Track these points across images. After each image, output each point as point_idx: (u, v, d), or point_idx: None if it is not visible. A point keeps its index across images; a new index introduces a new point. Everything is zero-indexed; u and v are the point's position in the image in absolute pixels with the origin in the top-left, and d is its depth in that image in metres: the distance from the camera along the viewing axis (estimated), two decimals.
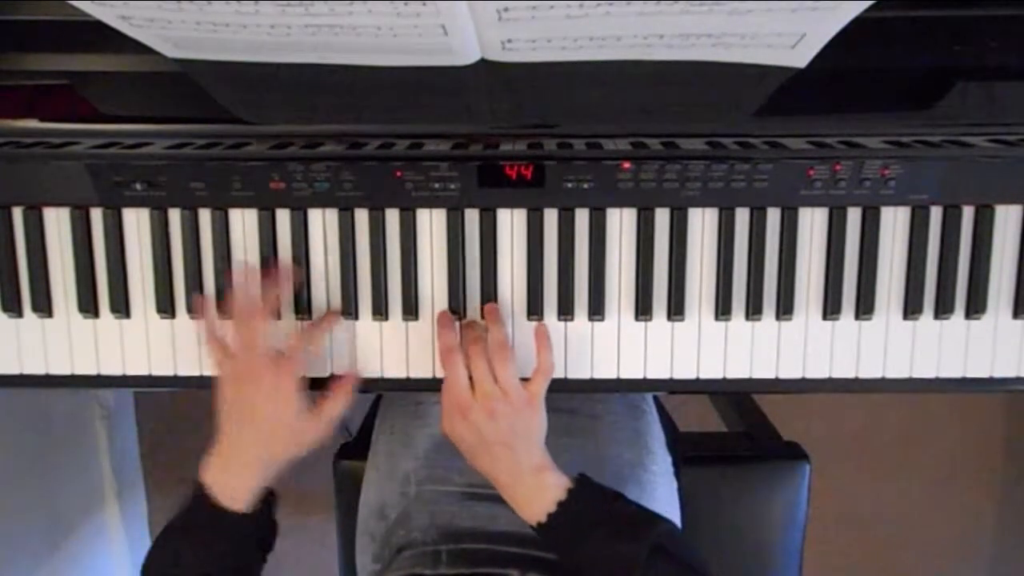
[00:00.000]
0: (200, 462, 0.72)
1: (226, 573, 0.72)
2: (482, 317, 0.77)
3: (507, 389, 0.71)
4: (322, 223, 0.77)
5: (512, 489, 0.72)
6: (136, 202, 0.76)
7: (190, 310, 0.78)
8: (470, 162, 0.74)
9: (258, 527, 0.74)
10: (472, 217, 0.77)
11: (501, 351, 0.72)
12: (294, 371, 0.73)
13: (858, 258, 0.77)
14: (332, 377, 0.78)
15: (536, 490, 0.71)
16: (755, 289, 0.77)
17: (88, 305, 0.78)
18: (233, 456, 0.72)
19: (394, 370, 0.79)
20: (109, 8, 0.58)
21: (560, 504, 0.70)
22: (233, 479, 0.72)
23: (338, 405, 0.75)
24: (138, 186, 0.75)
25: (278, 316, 0.77)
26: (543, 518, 0.70)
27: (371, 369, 0.79)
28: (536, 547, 0.82)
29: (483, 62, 0.64)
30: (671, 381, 0.79)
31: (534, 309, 0.77)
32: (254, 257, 0.77)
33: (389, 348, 0.79)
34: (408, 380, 0.79)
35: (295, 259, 0.77)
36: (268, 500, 0.75)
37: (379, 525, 0.87)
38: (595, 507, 0.71)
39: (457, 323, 0.77)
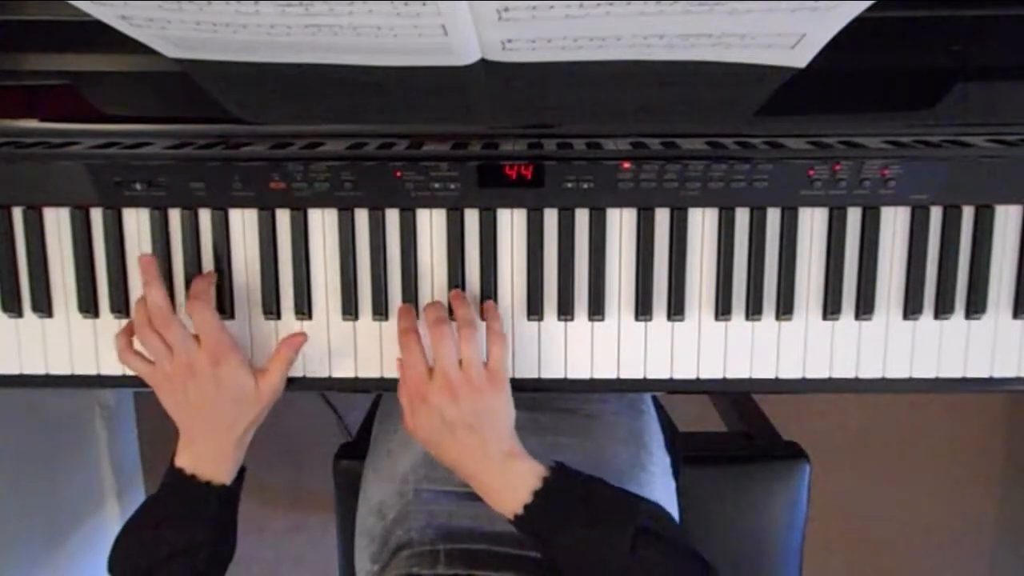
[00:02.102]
0: (171, 453, 0.74)
1: (210, 543, 0.72)
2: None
3: (468, 367, 0.69)
4: (322, 223, 0.77)
5: (484, 481, 0.70)
6: (136, 202, 0.76)
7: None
8: (470, 162, 0.74)
9: (236, 492, 0.75)
10: (472, 217, 0.77)
11: (469, 328, 0.71)
12: (224, 350, 0.72)
13: (858, 258, 0.77)
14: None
15: (509, 480, 0.69)
16: (755, 289, 0.77)
17: (88, 305, 0.78)
18: (198, 443, 0.73)
19: (394, 370, 0.79)
20: (109, 8, 0.58)
21: (536, 493, 0.68)
22: (207, 461, 0.72)
23: (281, 367, 0.75)
24: (138, 186, 0.75)
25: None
26: (519, 509, 0.68)
27: (371, 369, 0.79)
28: (534, 548, 0.82)
29: (483, 62, 0.64)
30: (671, 381, 0.79)
31: (534, 309, 0.77)
32: (254, 257, 0.78)
33: (389, 348, 0.79)
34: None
35: (295, 259, 0.77)
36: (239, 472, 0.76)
37: (377, 525, 0.87)
38: (573, 494, 0.69)
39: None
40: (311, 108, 0.72)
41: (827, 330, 0.78)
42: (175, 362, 0.71)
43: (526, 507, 0.68)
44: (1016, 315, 0.77)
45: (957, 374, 0.78)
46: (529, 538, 0.70)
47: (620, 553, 0.65)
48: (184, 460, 0.73)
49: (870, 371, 0.78)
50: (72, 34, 0.69)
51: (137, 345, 0.74)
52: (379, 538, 0.87)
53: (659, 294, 0.77)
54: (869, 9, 0.56)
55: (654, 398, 0.98)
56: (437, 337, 0.70)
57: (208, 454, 0.72)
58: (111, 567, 0.73)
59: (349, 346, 0.79)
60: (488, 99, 0.70)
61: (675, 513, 0.91)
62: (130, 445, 1.62)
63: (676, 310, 0.77)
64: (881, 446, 1.71)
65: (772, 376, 0.79)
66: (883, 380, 0.78)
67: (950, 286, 0.77)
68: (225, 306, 0.78)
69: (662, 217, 0.76)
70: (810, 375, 0.79)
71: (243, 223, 0.77)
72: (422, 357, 0.71)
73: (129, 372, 0.79)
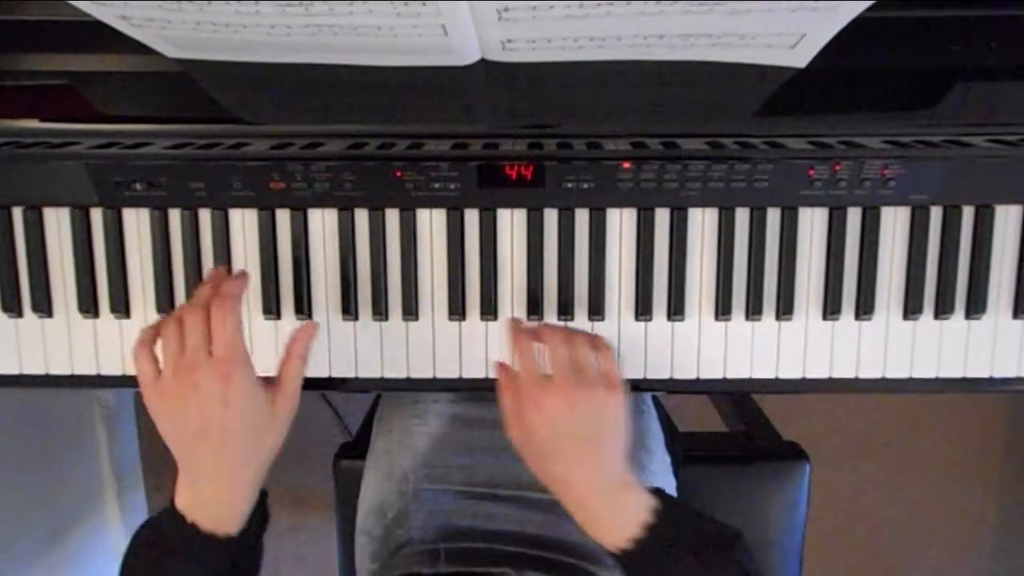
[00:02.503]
0: (169, 493, 0.63)
1: None
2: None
3: (584, 371, 0.65)
4: (322, 223, 0.77)
5: (589, 508, 0.64)
6: (136, 202, 0.76)
7: None
8: (470, 162, 0.74)
9: (254, 536, 0.64)
10: (472, 217, 0.77)
11: (583, 335, 0.68)
12: (237, 365, 0.61)
13: (858, 258, 0.77)
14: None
15: (619, 512, 0.63)
16: (755, 289, 0.77)
17: (88, 305, 0.78)
18: (200, 484, 0.61)
19: (394, 370, 0.79)
20: (109, 8, 0.58)
21: (648, 528, 0.62)
22: (211, 507, 0.61)
23: (296, 368, 0.66)
24: (138, 186, 0.75)
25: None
26: (626, 544, 0.62)
27: (371, 369, 0.79)
28: (534, 546, 0.82)
29: (483, 62, 0.64)
30: (671, 381, 0.79)
31: (534, 309, 0.77)
32: (254, 257, 0.77)
33: (389, 348, 0.79)
34: (408, 380, 0.79)
35: (295, 259, 0.77)
36: (260, 500, 0.65)
37: (377, 524, 0.87)
38: (681, 529, 0.64)
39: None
40: (311, 108, 0.72)
41: (827, 330, 0.78)
42: (181, 365, 0.61)
43: (636, 542, 0.62)
44: (1016, 315, 0.77)
45: (957, 374, 0.78)
46: (629, 571, 0.64)
47: None
48: (184, 501, 0.61)
49: (870, 371, 0.78)
50: (72, 34, 0.69)
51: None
52: (379, 537, 0.87)
53: (659, 294, 0.77)
54: (869, 9, 0.56)
55: (654, 398, 0.98)
56: (556, 341, 0.66)
57: (211, 497, 0.61)
58: (121, 568, 0.64)
59: (349, 346, 0.79)
60: (488, 99, 0.70)
61: None
62: (130, 445, 1.62)
63: (676, 310, 0.77)
64: (881, 446, 1.71)
65: (772, 376, 0.79)
66: (883, 380, 0.78)
67: (950, 286, 0.77)
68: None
69: (662, 217, 0.76)
70: (810, 375, 0.79)
71: (243, 223, 0.77)
72: (536, 362, 0.66)
73: (129, 372, 0.79)
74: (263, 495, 0.65)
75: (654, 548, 0.62)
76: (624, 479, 0.64)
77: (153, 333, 0.65)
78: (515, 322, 0.75)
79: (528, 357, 0.67)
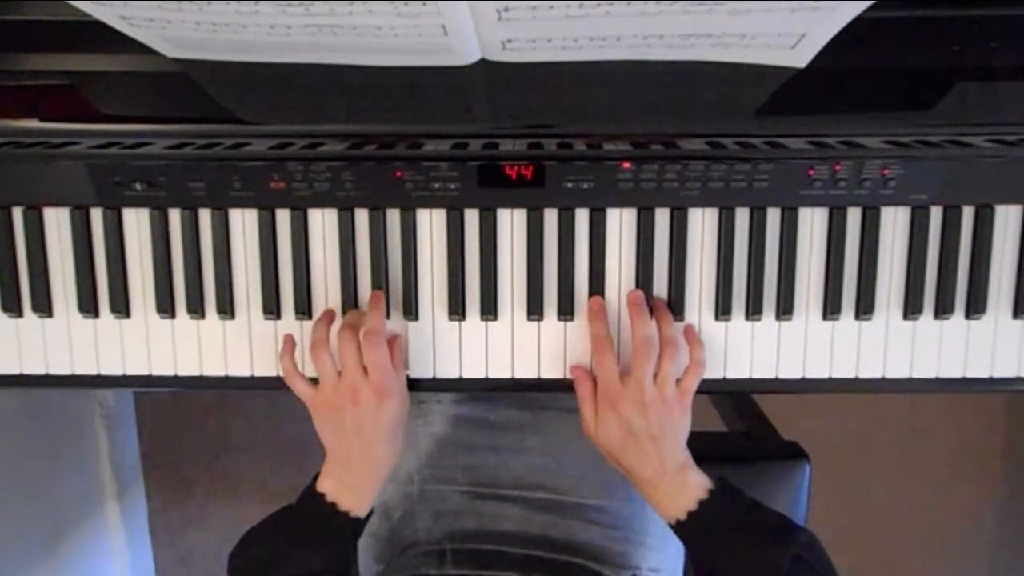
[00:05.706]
0: (316, 476, 0.74)
1: (332, 571, 0.70)
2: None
3: (663, 384, 0.71)
4: (322, 223, 0.77)
5: (655, 486, 0.72)
6: (136, 202, 0.76)
7: (190, 310, 0.78)
8: (470, 162, 0.74)
9: (365, 523, 0.74)
10: (472, 217, 0.77)
11: (673, 348, 0.72)
12: (389, 385, 0.71)
13: (858, 258, 0.77)
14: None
15: (678, 488, 0.71)
16: (755, 289, 0.77)
17: (88, 305, 0.78)
18: (348, 473, 0.72)
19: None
20: (109, 8, 0.58)
21: (701, 503, 0.70)
22: (352, 492, 0.72)
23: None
24: (138, 186, 0.75)
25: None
26: (682, 516, 0.70)
27: None
28: (539, 547, 0.82)
29: (483, 62, 0.64)
30: None
31: (534, 309, 0.77)
32: (254, 257, 0.77)
33: None
34: (408, 380, 0.79)
35: (295, 259, 0.77)
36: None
37: (383, 525, 0.87)
38: (736, 510, 0.71)
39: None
40: (311, 108, 0.72)
41: (827, 330, 0.78)
42: (341, 387, 0.71)
43: (689, 514, 0.70)
44: (1016, 315, 0.77)
45: (957, 374, 0.78)
46: (687, 544, 0.72)
47: (775, 574, 0.66)
48: (327, 486, 0.72)
49: (870, 371, 0.78)
50: (72, 34, 0.69)
51: (305, 366, 0.75)
52: (384, 538, 0.87)
53: (659, 294, 0.77)
54: (869, 9, 0.56)
55: None
56: (644, 352, 0.71)
57: (355, 485, 0.72)
58: (232, 566, 0.72)
59: None
60: (488, 99, 0.70)
61: None
62: (130, 445, 1.62)
63: (676, 310, 0.77)
64: (881, 446, 1.71)
65: (772, 376, 0.79)
66: (883, 380, 0.78)
67: (950, 286, 0.77)
68: (226, 307, 0.78)
69: (662, 217, 0.76)
70: (810, 375, 0.79)
71: (243, 223, 0.77)
72: (615, 368, 0.72)
73: (129, 372, 0.79)
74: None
75: (705, 521, 0.70)
76: (684, 462, 0.73)
77: (290, 361, 0.74)
78: (597, 320, 0.75)
79: (608, 362, 0.72)
